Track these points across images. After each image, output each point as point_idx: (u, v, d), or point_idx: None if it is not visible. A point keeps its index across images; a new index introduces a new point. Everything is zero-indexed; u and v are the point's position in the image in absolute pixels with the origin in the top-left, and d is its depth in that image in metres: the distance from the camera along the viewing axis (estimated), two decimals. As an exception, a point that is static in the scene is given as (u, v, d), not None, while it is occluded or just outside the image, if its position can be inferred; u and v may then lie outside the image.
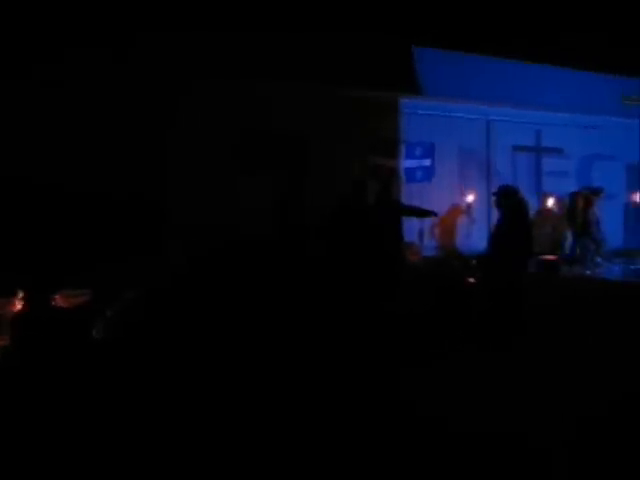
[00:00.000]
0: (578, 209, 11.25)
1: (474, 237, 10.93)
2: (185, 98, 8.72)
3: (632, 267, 10.92)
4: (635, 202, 11.09)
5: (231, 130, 9.18)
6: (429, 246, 10.81)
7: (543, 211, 11.66)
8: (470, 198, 11.06)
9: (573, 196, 11.49)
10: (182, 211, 8.15)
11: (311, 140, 9.90)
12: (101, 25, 8.23)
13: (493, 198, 7.31)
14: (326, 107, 9.95)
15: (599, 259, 11.17)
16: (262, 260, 8.02)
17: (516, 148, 12.27)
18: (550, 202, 11.61)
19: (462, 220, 11.35)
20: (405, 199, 9.92)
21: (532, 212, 11.49)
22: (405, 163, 10.64)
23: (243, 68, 9.13)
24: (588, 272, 10.72)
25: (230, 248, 8.03)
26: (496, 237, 7.03)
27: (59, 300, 5.66)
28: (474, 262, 9.45)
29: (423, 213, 8.61)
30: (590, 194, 11.27)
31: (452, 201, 11.33)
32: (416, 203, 9.95)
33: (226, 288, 6.91)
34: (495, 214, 7.88)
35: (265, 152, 9.57)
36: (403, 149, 10.74)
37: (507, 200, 7.11)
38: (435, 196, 10.57)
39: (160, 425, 3.93)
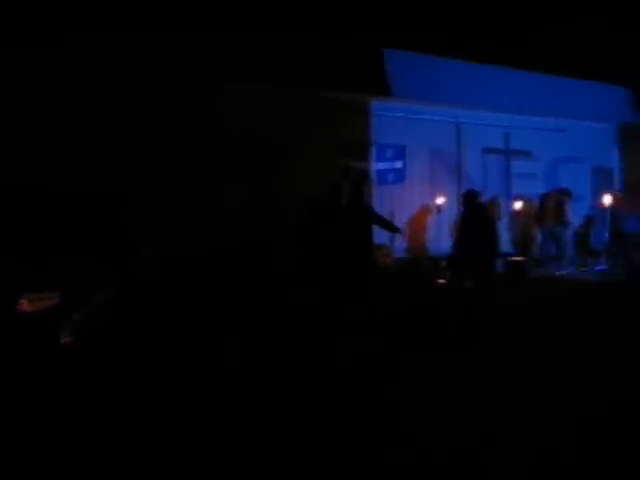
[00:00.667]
0: (549, 210, 11.45)
1: (445, 239, 11.03)
2: (154, 97, 8.65)
3: (597, 268, 11.14)
4: (601, 204, 11.30)
5: (201, 131, 9.13)
6: (400, 248, 10.87)
7: (513, 212, 11.84)
8: (441, 200, 11.15)
9: (544, 198, 11.69)
10: (151, 211, 8.07)
11: (282, 142, 9.89)
12: (65, 23, 8.12)
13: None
14: (297, 109, 9.95)
15: (568, 260, 11.39)
16: (234, 261, 8.01)
17: (486, 150, 12.41)
18: (519, 204, 11.78)
19: (433, 222, 11.44)
20: (376, 201, 9.97)
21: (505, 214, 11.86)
22: (376, 165, 10.71)
23: (214, 69, 9.09)
24: (557, 272, 10.91)
25: (203, 249, 8.01)
26: (460, 239, 7.17)
27: (25, 305, 5.54)
28: (444, 263, 9.56)
29: (390, 227, 8.67)
30: (561, 195, 11.47)
31: (423, 203, 11.41)
32: (387, 205, 10.07)
33: (198, 288, 6.91)
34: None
35: (235, 153, 9.52)
36: (374, 151, 10.80)
37: (469, 203, 7.29)
38: (406, 198, 10.66)
39: (133, 430, 3.89)
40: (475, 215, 7.09)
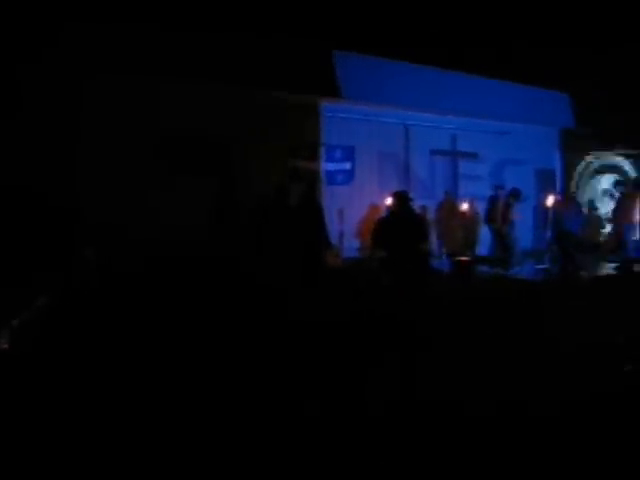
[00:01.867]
0: (497, 211, 11.75)
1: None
2: (98, 95, 8.49)
3: (539, 267, 11.51)
4: (544, 205, 11.67)
5: (150, 131, 9.01)
6: (350, 248, 10.97)
7: (458, 213, 12.08)
8: (389, 201, 11.29)
9: (492, 198, 11.99)
10: (96, 213, 7.92)
11: (233, 143, 9.86)
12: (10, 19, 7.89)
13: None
14: (247, 110, 9.93)
15: (513, 259, 11.71)
16: (183, 264, 7.93)
17: (433, 152, 12.64)
18: (465, 205, 12.04)
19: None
20: (326, 201, 10.03)
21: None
22: (326, 166, 10.78)
23: (161, 67, 8.97)
24: (503, 272, 11.20)
25: (150, 251, 7.91)
26: (390, 239, 7.38)
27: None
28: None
29: (326, 239, 8.64)
30: (509, 196, 11.79)
31: (372, 203, 11.54)
32: (336, 205, 10.14)
33: (143, 291, 6.81)
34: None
35: (186, 154, 9.44)
36: (324, 152, 10.87)
37: (398, 204, 7.54)
38: (355, 198, 10.76)
39: (75, 437, 3.83)
40: (405, 214, 7.34)
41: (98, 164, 8.42)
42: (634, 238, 11.23)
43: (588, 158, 14.18)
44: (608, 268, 10.90)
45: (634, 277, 9.67)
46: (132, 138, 8.76)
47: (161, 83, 8.98)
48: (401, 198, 7.84)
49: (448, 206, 12.22)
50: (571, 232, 10.48)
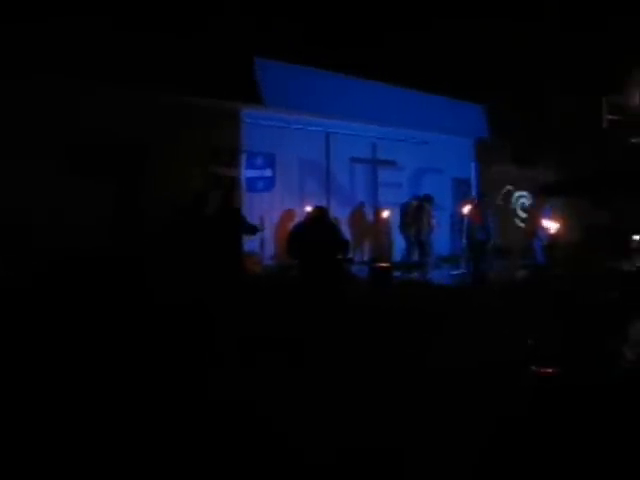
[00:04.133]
0: (411, 217, 12.03)
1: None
2: (1, 96, 8.13)
3: (454, 272, 11.89)
4: (460, 213, 12.04)
5: (62, 133, 8.70)
6: (270, 255, 10.97)
7: (379, 220, 12.32)
8: (309, 208, 11.36)
9: (406, 205, 12.27)
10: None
11: (150, 147, 9.66)
12: None
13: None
14: (166, 114, 9.77)
15: (429, 264, 12.02)
16: (90, 266, 7.73)
17: (354, 160, 12.83)
18: (384, 212, 12.27)
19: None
20: (246, 208, 9.99)
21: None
22: (246, 173, 10.72)
23: (76, 67, 8.69)
24: (419, 277, 11.48)
25: (58, 252, 7.67)
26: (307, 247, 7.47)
27: None
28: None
29: (253, 230, 8.65)
30: (423, 203, 12.09)
31: (292, 211, 11.57)
32: (257, 213, 10.10)
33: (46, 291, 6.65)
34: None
35: (100, 157, 9.16)
36: (244, 159, 10.81)
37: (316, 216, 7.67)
38: (276, 206, 10.76)
39: None
40: (321, 223, 7.46)
41: (2, 165, 8.06)
42: (540, 245, 11.75)
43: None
44: (520, 273, 11.37)
45: (540, 282, 10.13)
46: (40, 139, 8.42)
47: (75, 84, 8.68)
48: (320, 211, 7.92)
49: (359, 214, 12.45)
50: (484, 239, 10.85)
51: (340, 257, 7.84)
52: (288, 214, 11.33)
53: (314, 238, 7.40)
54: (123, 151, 9.35)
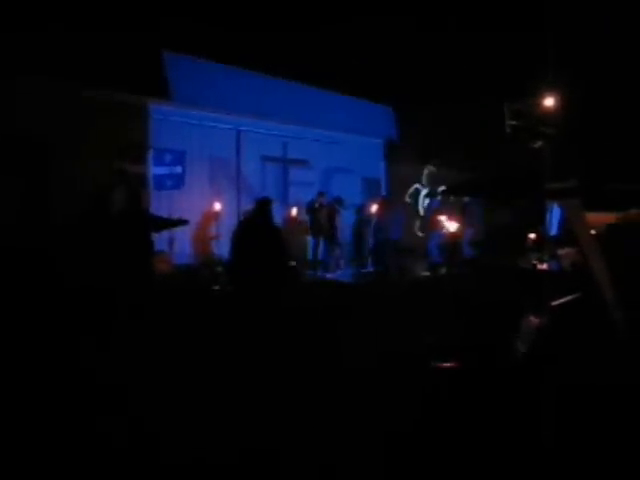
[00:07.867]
0: (321, 217, 12.18)
1: (224, 245, 11.17)
2: None
3: (363, 270, 12.16)
4: (369, 212, 12.32)
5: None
6: (181, 254, 10.79)
7: (289, 219, 12.39)
8: (218, 206, 11.29)
9: (311, 203, 12.39)
10: None
11: (53, 142, 9.27)
12: None
13: None
14: (69, 108, 9.41)
15: (338, 263, 12.24)
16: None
17: (265, 158, 12.83)
18: (294, 211, 12.36)
19: (214, 228, 11.52)
20: (154, 206, 9.77)
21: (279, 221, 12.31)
22: (154, 170, 10.48)
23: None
24: (329, 275, 11.66)
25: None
26: (245, 247, 7.26)
27: None
28: (220, 269, 9.69)
29: (174, 222, 8.47)
30: (333, 203, 12.28)
31: (203, 209, 11.44)
32: (165, 211, 9.89)
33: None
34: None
35: (3, 152, 8.71)
36: (152, 155, 10.57)
37: (260, 210, 7.36)
38: (185, 204, 10.58)
39: None
40: (264, 223, 7.21)
41: None
42: (437, 244, 12.18)
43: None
44: (422, 271, 11.75)
45: (440, 280, 10.51)
46: None
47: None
48: (262, 205, 7.39)
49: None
50: (390, 237, 11.15)
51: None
52: (203, 213, 11.24)
53: (255, 239, 7.11)
54: (26, 145, 8.92)
